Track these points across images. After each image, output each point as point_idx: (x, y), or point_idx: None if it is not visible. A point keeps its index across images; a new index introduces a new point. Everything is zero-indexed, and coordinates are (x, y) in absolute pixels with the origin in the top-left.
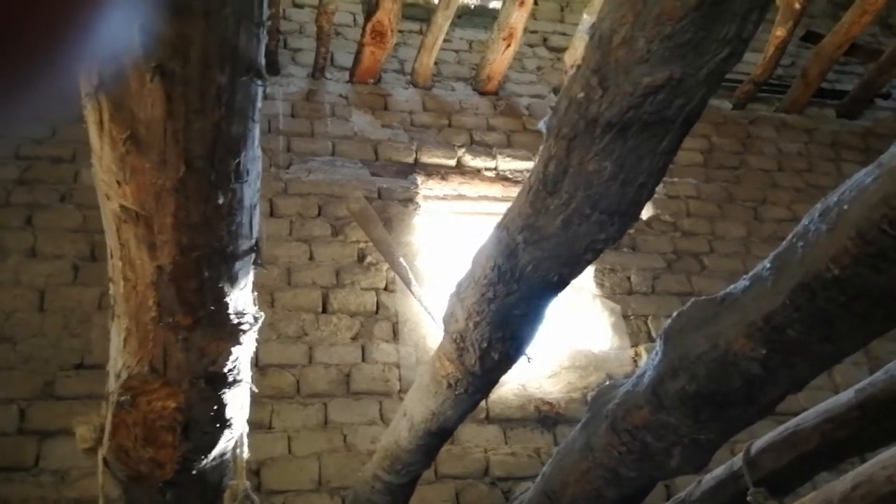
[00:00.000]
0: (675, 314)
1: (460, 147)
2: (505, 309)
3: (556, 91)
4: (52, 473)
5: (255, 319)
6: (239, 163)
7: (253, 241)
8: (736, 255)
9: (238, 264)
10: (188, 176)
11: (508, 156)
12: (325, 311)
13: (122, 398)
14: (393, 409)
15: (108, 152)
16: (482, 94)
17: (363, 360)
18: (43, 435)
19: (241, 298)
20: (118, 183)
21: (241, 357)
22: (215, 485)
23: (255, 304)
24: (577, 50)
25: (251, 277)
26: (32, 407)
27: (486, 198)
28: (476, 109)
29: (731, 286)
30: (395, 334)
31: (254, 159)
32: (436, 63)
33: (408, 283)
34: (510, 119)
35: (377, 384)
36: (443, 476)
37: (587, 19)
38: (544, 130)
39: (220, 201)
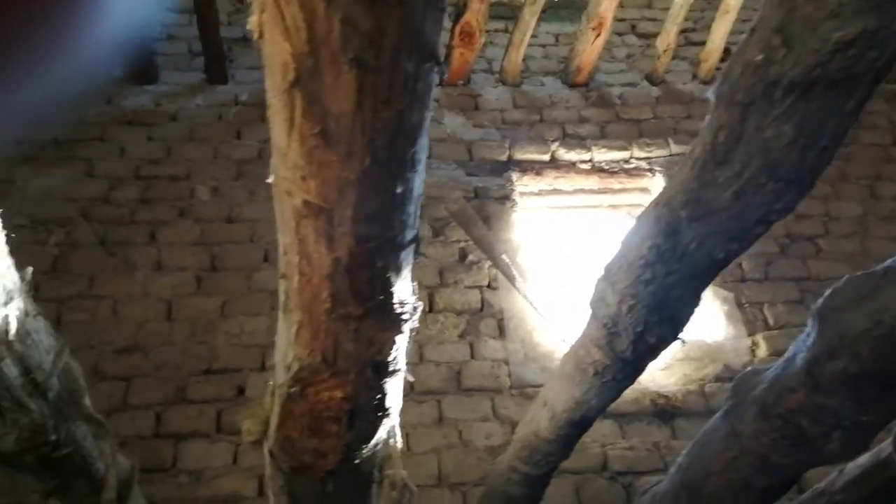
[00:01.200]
0: (827, 292)
1: (553, 141)
2: (663, 290)
3: (648, 78)
4: (189, 474)
5: (415, 309)
6: (415, 152)
7: (416, 231)
8: (853, 235)
9: (403, 254)
10: (371, 167)
11: (603, 147)
12: (431, 310)
13: (293, 389)
14: (505, 406)
15: (296, 148)
16: (572, 86)
17: (472, 357)
18: (178, 437)
19: (404, 288)
20: (303, 178)
21: (402, 346)
22: (368, 475)
23: (414, 294)
24: (669, 34)
25: (411, 267)
26: (167, 411)
27: (582, 191)
28: (567, 102)
29: (890, 259)
30: (501, 331)
31: (423, 148)
32: (524, 59)
33: (511, 280)
34: (603, 110)
35: (487, 381)
36: (562, 471)
37: (678, 2)
38: (713, 99)
39: (398, 191)
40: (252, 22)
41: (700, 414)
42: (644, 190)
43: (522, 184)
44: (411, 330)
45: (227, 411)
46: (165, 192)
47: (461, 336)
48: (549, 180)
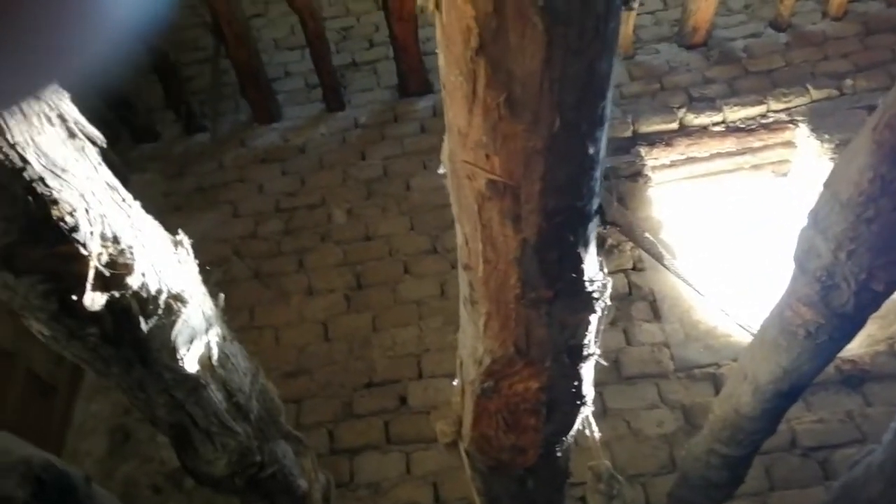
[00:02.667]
0: None
1: (679, 108)
2: (890, 227)
3: (772, 25)
4: (367, 486)
5: (604, 286)
6: (604, 106)
7: (600, 198)
8: None
9: (591, 226)
10: (560, 131)
11: (735, 105)
12: None
13: (486, 385)
14: (672, 391)
15: (479, 125)
16: (690, 48)
17: (627, 343)
18: (352, 452)
19: (592, 264)
20: (487, 156)
21: (595, 327)
22: (563, 469)
23: (602, 269)
24: None
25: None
26: (338, 428)
27: (718, 155)
28: (687, 66)
29: None
30: (655, 313)
31: (610, 101)
32: (633, 30)
33: (658, 259)
34: (728, 66)
35: (649, 366)
36: None
37: None
38: None
39: (590, 152)
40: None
41: (893, 376)
42: (788, 144)
43: (653, 157)
44: (603, 309)
45: (393, 422)
46: (305, 220)
47: (613, 323)
48: (680, 149)
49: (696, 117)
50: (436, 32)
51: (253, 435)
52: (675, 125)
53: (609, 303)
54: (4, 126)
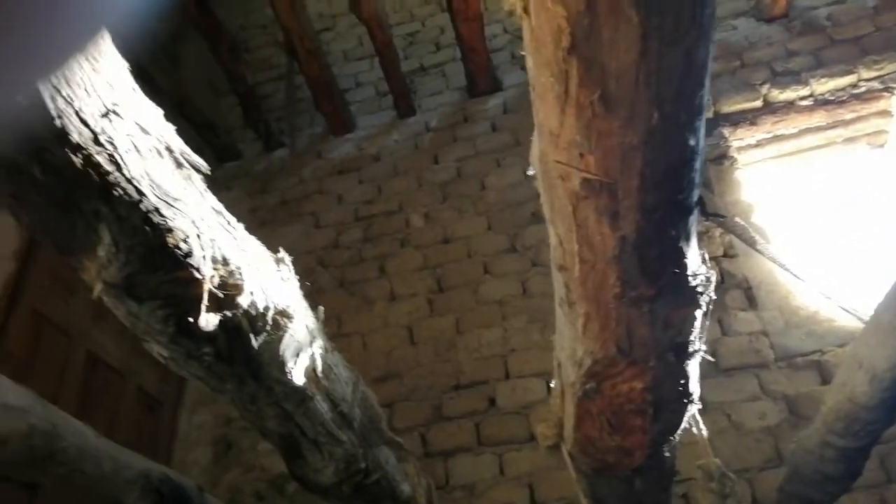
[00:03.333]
0: None
1: (762, 84)
2: None
3: None
4: (462, 488)
5: (708, 279)
6: (702, 95)
7: (700, 189)
8: None
9: (691, 219)
10: (658, 124)
11: (823, 77)
12: None
13: (587, 386)
14: (774, 381)
15: (572, 124)
16: (770, 21)
17: (723, 333)
18: (445, 455)
19: (694, 257)
20: (581, 155)
21: (700, 322)
22: (670, 468)
23: (705, 263)
24: None
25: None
26: (430, 431)
27: (808, 131)
28: (768, 39)
29: None
30: (751, 301)
31: (709, 89)
32: None
33: (752, 244)
34: (812, 37)
35: (747, 356)
36: None
37: None
38: None
39: (691, 143)
40: (512, 1)
41: None
42: (883, 113)
43: (737, 138)
44: (708, 304)
45: (483, 423)
46: (384, 227)
47: (705, 313)
48: (766, 127)
49: (781, 93)
50: (524, 36)
51: (357, 442)
52: (759, 103)
53: (714, 296)
54: (122, 162)
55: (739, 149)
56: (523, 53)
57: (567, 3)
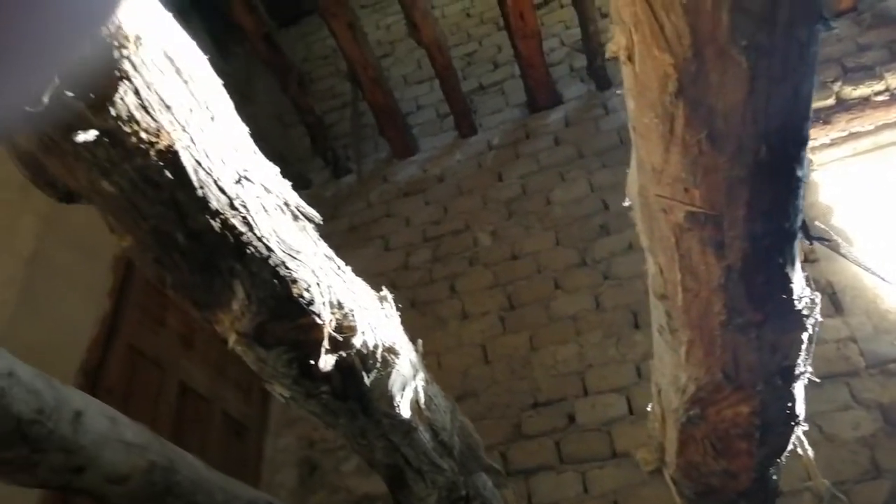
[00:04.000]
0: None
1: (833, 82)
2: None
3: None
4: None
5: (813, 301)
6: (807, 125)
7: (802, 212)
8: None
9: (796, 243)
10: (765, 156)
11: None
12: None
13: (691, 412)
14: (867, 388)
15: (677, 161)
16: (837, 15)
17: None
18: (526, 473)
19: (799, 280)
20: (685, 190)
21: (807, 345)
22: (775, 488)
23: (808, 284)
24: None
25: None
26: (510, 450)
27: (885, 126)
28: (836, 35)
29: None
30: (836, 307)
31: (811, 117)
32: None
33: (835, 248)
34: (884, 29)
35: (836, 364)
36: None
37: None
38: None
39: (798, 173)
40: (615, 47)
41: None
42: None
43: (810, 138)
44: (814, 326)
45: (564, 441)
46: (452, 246)
47: None
48: (841, 126)
49: (854, 89)
50: (625, 80)
51: (457, 470)
52: (831, 101)
53: (820, 318)
54: (253, 222)
55: (813, 149)
56: (620, 93)
57: (675, 52)
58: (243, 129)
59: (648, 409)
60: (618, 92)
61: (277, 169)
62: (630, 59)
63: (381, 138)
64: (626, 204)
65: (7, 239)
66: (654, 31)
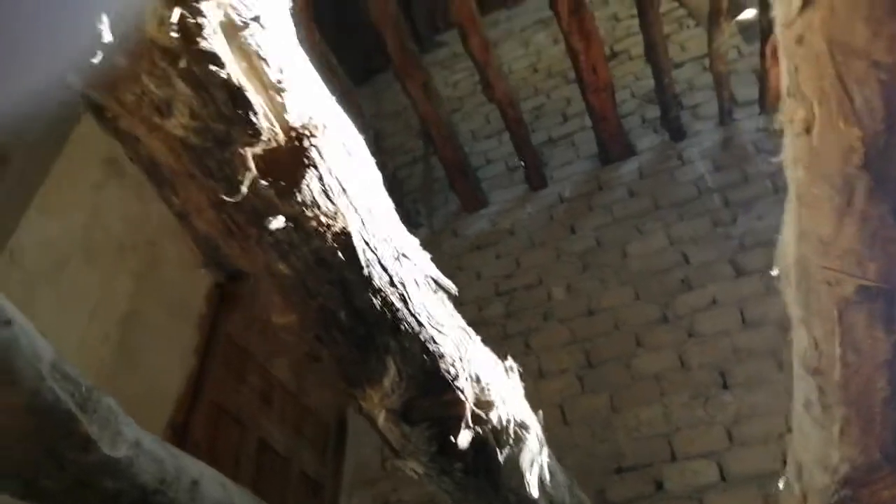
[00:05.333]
0: None
1: None
2: None
3: None
4: None
5: None
6: None
7: None
8: None
9: None
10: None
11: None
12: None
13: (843, 493)
14: None
15: (852, 234)
16: None
17: None
18: None
19: None
20: (858, 263)
21: None
22: None
23: None
24: None
25: None
26: None
27: None
28: None
29: None
30: None
31: None
32: None
33: None
34: None
35: None
36: None
37: None
38: None
39: None
40: (787, 119)
41: None
42: None
43: None
44: None
45: None
46: (525, 301)
47: None
48: None
49: None
50: (794, 149)
51: None
52: None
53: None
54: (408, 298)
55: None
56: (773, 160)
57: (864, 124)
58: (390, 202)
59: (780, 485)
60: (772, 160)
61: (417, 240)
62: (808, 130)
63: (451, 193)
64: (773, 272)
65: (105, 298)
66: (844, 104)
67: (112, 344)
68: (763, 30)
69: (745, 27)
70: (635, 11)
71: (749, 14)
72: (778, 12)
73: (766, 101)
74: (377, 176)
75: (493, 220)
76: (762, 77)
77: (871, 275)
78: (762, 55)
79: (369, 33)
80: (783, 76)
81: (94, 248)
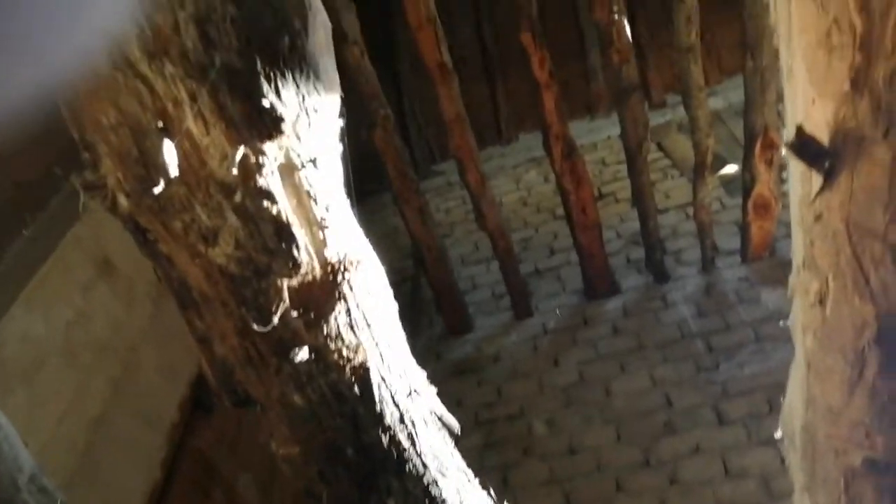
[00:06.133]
0: None
1: None
2: None
3: None
4: None
5: None
6: None
7: None
8: None
9: None
10: None
11: None
12: None
13: None
14: None
15: (861, 406)
16: None
17: None
18: None
19: None
20: (866, 434)
21: None
22: None
23: None
24: None
25: None
26: None
27: None
28: None
29: None
30: None
31: None
32: None
33: None
34: None
35: None
36: None
37: None
38: None
39: None
40: (805, 288)
41: None
42: None
43: None
44: None
45: None
46: (506, 432)
47: None
48: None
49: None
50: (803, 317)
51: None
52: None
53: None
54: (416, 437)
55: None
56: (786, 325)
57: (878, 303)
58: (403, 334)
59: None
60: (786, 325)
61: (424, 373)
62: (822, 302)
63: (437, 315)
64: (777, 435)
65: (77, 401)
66: (859, 282)
67: (77, 452)
68: (745, 185)
69: (727, 181)
70: (623, 157)
71: (731, 169)
72: (796, 189)
73: (748, 253)
74: (394, 307)
75: (477, 346)
76: (743, 229)
77: (880, 448)
78: (744, 209)
79: (367, 158)
80: (795, 247)
81: (75, 349)
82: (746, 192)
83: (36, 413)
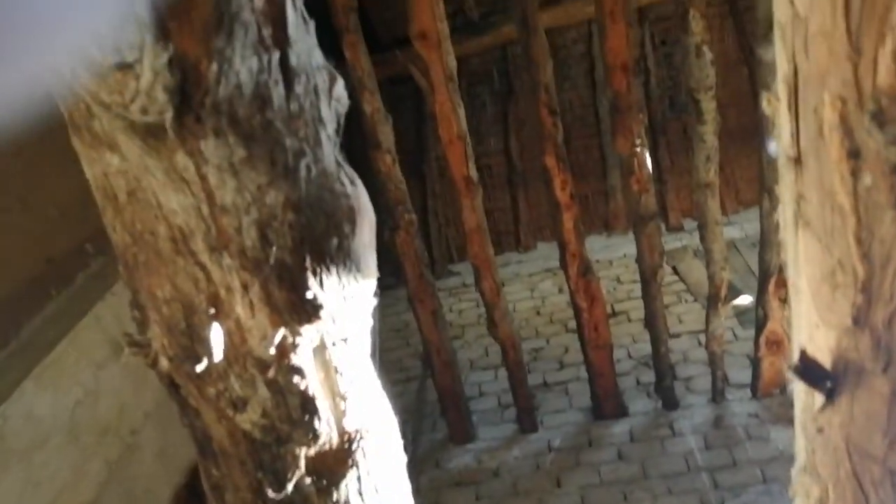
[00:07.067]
0: None
1: None
2: None
3: None
4: None
5: None
6: None
7: None
8: None
9: None
10: None
11: None
12: None
13: None
14: None
15: None
16: None
17: None
18: None
19: None
20: None
21: None
22: None
23: None
24: None
25: None
26: None
27: None
28: None
29: None
30: None
31: None
32: None
33: None
34: None
35: None
36: None
37: None
38: None
39: None
40: (806, 491)
41: None
42: None
43: None
44: None
45: None
46: None
47: None
48: None
49: None
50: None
51: None
52: None
53: None
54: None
55: None
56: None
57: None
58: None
59: None
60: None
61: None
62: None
63: (441, 419)
64: None
65: (73, 484)
66: (858, 499)
67: None
68: (758, 320)
69: (741, 311)
70: (638, 277)
71: (746, 300)
72: (800, 397)
73: (758, 388)
74: (403, 464)
75: (478, 457)
76: (755, 364)
77: None
78: (756, 343)
79: (387, 253)
80: (798, 449)
81: (78, 430)
82: (759, 327)
83: (30, 495)
